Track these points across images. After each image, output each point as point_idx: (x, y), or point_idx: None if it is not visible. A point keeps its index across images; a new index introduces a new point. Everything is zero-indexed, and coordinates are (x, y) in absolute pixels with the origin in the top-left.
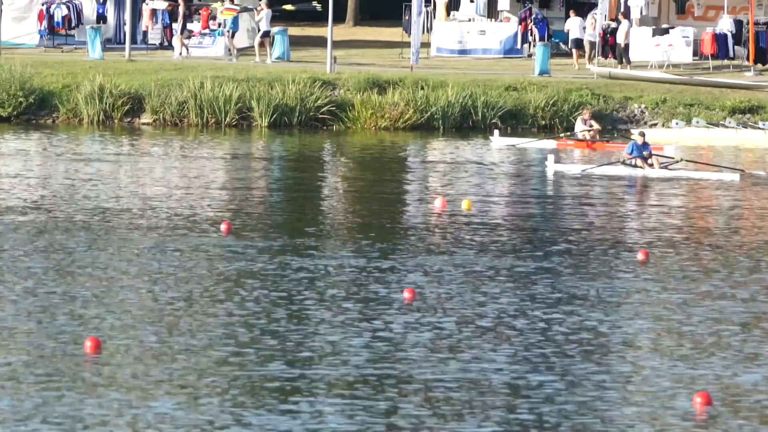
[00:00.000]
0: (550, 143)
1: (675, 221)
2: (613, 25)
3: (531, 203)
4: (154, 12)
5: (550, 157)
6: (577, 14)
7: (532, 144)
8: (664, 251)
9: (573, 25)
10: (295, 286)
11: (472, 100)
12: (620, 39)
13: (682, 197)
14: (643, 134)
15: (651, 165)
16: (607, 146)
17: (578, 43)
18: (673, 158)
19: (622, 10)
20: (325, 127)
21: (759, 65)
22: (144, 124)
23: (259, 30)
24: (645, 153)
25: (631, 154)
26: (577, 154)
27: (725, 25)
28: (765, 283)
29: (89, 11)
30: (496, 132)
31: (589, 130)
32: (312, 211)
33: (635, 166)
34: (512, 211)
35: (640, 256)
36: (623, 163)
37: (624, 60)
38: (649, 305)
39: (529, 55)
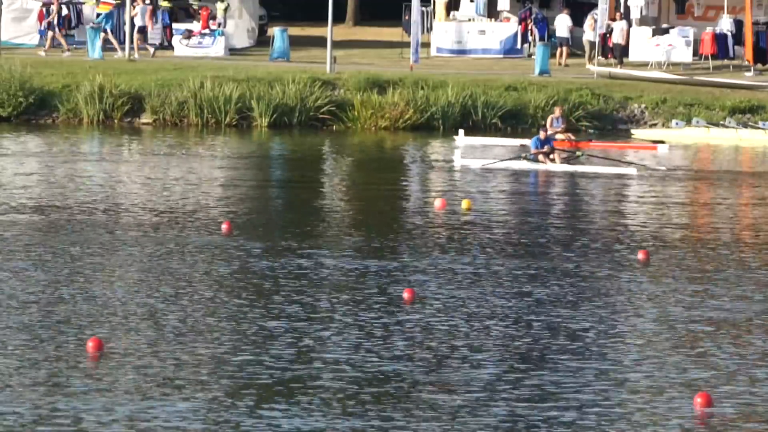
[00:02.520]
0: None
1: (674, 219)
2: (613, 24)
3: (525, 203)
4: (154, 12)
5: (457, 152)
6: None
7: (497, 142)
8: (663, 250)
9: (560, 23)
10: (295, 285)
11: (472, 100)
12: (615, 39)
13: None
14: (545, 129)
15: (553, 160)
16: (590, 145)
17: (563, 41)
18: (574, 153)
19: (620, 10)
20: (325, 127)
21: (759, 65)
22: (144, 124)
23: (134, 25)
24: (547, 148)
25: (536, 148)
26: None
27: (725, 25)
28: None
29: (89, 11)
30: (461, 132)
31: (561, 130)
32: (312, 211)
33: (537, 160)
34: (506, 210)
35: (640, 255)
36: (525, 157)
37: (617, 59)
38: (651, 303)
39: (529, 55)
